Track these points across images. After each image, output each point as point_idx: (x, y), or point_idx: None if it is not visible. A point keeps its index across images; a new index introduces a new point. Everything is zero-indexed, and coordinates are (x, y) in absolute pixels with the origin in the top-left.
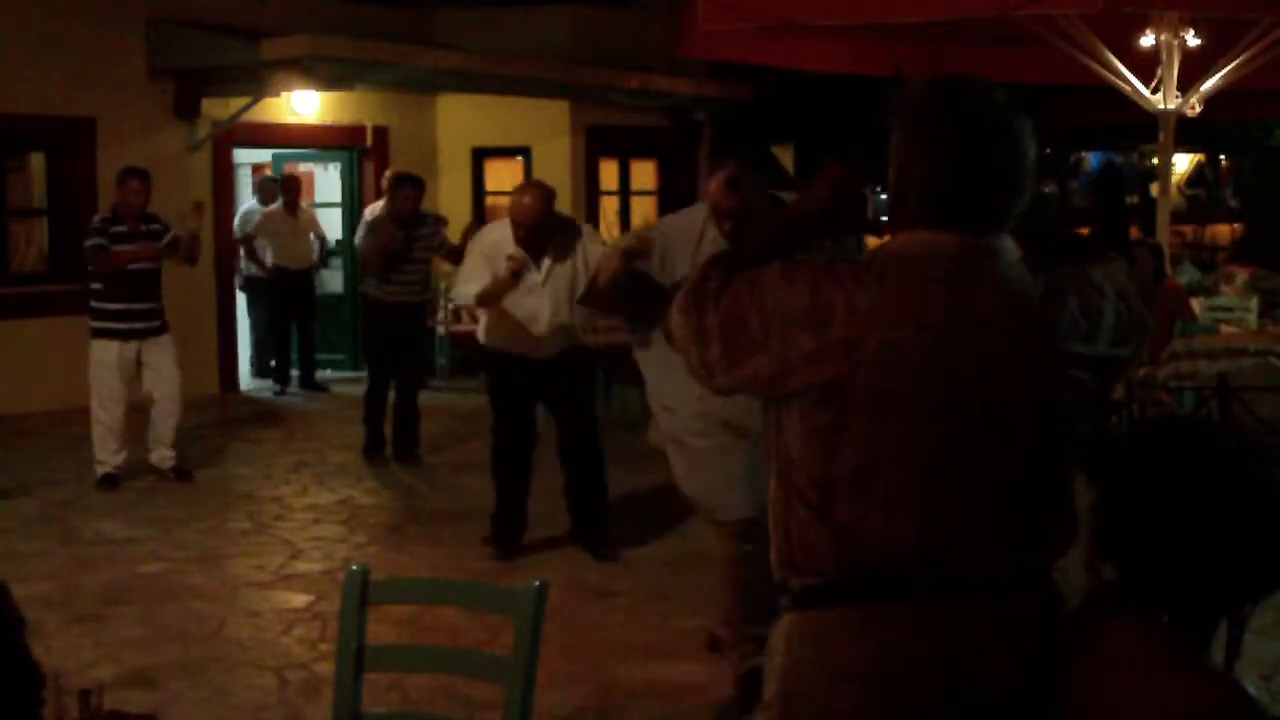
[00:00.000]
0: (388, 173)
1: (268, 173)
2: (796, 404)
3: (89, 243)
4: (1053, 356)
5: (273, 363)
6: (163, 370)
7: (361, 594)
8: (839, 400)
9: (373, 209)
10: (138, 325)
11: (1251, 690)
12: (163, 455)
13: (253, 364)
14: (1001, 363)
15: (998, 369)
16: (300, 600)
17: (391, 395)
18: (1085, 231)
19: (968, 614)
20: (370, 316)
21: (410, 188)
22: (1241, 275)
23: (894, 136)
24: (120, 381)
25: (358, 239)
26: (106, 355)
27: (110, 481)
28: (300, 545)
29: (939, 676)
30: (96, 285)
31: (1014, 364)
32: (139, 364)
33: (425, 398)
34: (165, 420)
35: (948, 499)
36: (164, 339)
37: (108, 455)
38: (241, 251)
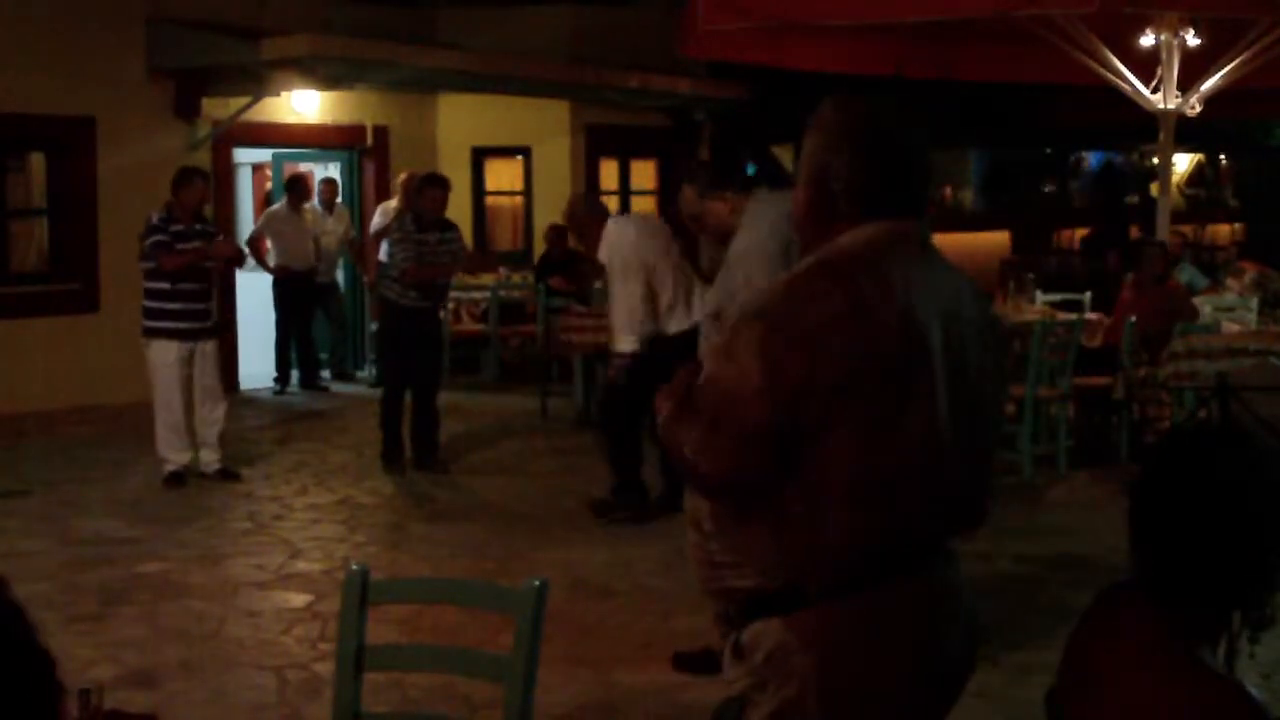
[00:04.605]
0: (403, 174)
1: (290, 172)
2: (849, 409)
3: (151, 240)
4: (987, 320)
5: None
6: (208, 374)
7: (361, 593)
8: (890, 384)
9: (385, 209)
10: (195, 325)
11: (1252, 690)
12: (208, 458)
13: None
14: (967, 330)
15: (968, 337)
16: (300, 600)
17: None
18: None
19: (958, 576)
20: (387, 320)
21: (438, 189)
22: (1250, 272)
23: (814, 151)
24: (180, 380)
25: (382, 252)
26: (167, 355)
27: (177, 479)
28: (300, 545)
29: (959, 634)
30: (157, 285)
31: (974, 330)
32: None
33: None
34: (209, 423)
35: (958, 469)
36: (213, 344)
37: (173, 454)
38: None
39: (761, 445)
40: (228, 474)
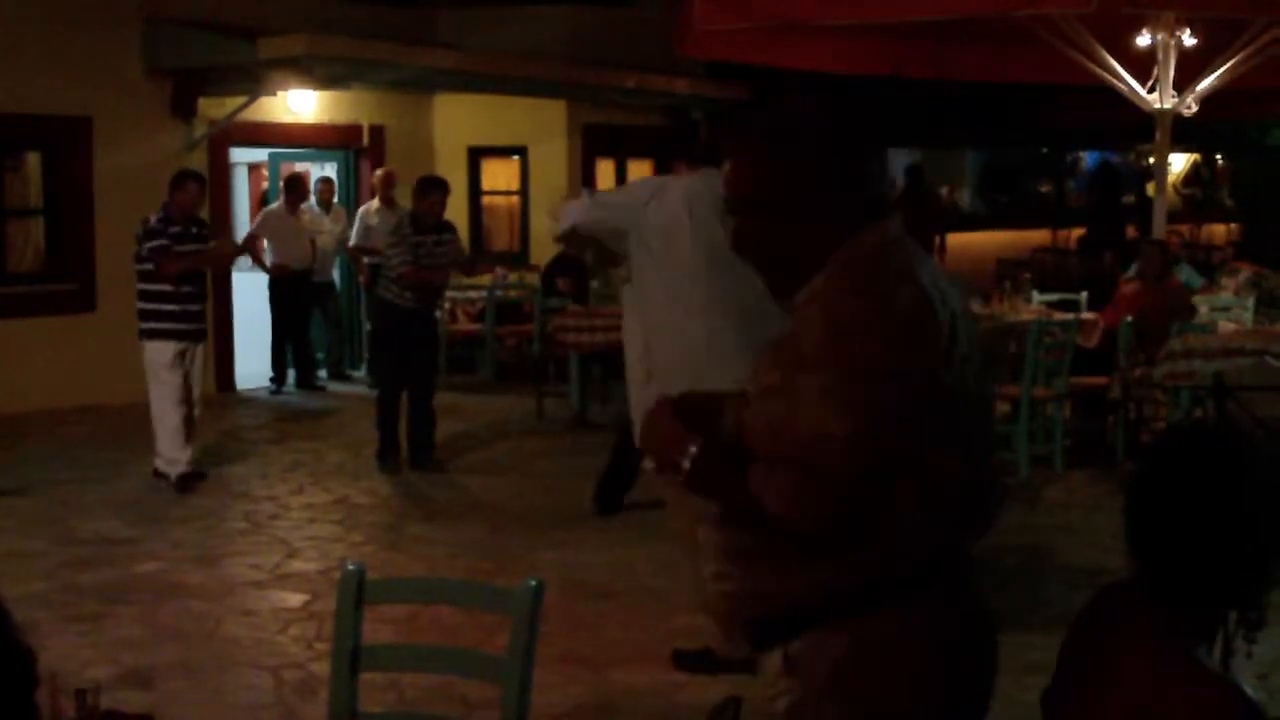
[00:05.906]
0: (380, 171)
1: (288, 171)
2: (933, 423)
3: (151, 244)
4: (972, 314)
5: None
6: (197, 377)
7: (357, 593)
8: (949, 388)
9: (368, 209)
10: (192, 327)
11: (1249, 690)
12: (192, 455)
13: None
14: (970, 327)
15: (971, 333)
16: (296, 599)
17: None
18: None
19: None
20: (383, 321)
21: (438, 192)
22: (1245, 272)
23: (789, 157)
24: (179, 380)
25: (391, 256)
26: (165, 356)
27: (188, 481)
28: (296, 544)
29: (989, 639)
30: (156, 287)
31: (970, 325)
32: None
33: None
34: (193, 422)
35: (982, 470)
36: (201, 348)
37: (179, 454)
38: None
39: (861, 485)
40: (196, 475)
